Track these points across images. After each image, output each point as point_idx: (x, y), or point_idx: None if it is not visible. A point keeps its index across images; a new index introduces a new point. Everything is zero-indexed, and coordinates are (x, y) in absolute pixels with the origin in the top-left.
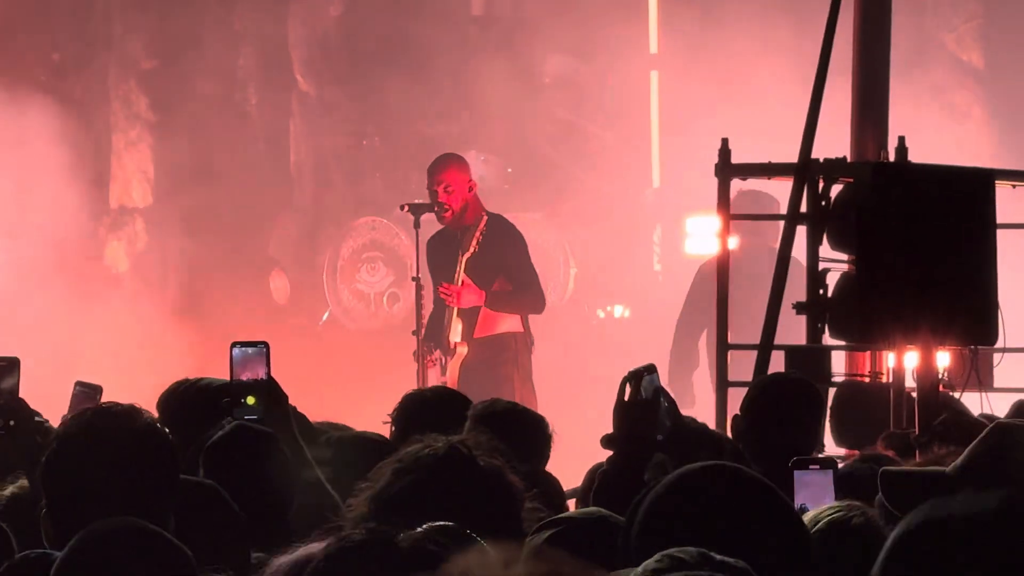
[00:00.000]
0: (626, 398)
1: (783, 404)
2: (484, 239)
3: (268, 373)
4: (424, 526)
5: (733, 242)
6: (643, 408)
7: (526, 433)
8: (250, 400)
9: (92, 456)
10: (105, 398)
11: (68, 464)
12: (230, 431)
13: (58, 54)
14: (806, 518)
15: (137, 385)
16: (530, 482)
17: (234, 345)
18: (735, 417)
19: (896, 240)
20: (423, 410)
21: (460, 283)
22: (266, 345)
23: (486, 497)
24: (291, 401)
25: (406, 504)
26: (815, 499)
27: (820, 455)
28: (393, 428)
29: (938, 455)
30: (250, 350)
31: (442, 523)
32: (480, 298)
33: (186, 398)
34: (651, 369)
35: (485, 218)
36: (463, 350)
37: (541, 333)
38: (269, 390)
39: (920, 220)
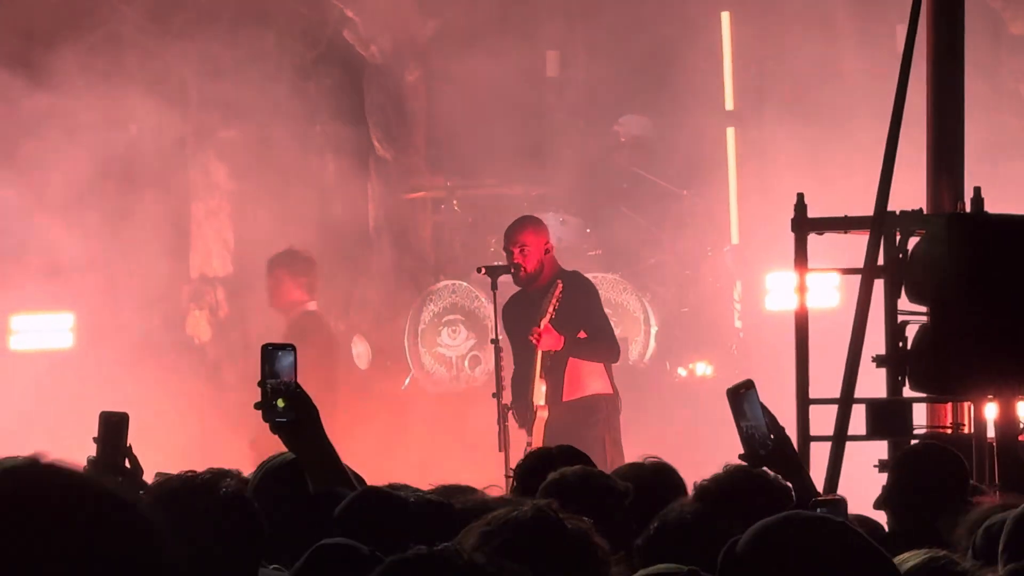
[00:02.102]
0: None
1: (931, 483)
2: (561, 303)
3: (296, 376)
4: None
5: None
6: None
7: (597, 501)
8: (280, 403)
9: (173, 526)
10: (189, 466)
11: None
12: (357, 497)
13: (135, 124)
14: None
15: (220, 455)
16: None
17: (265, 347)
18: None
19: (972, 290)
20: (547, 466)
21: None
22: (294, 348)
23: (574, 560)
24: (378, 465)
25: None
26: None
27: None
28: (515, 483)
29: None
30: (280, 353)
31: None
32: (559, 342)
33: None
34: (749, 385)
35: (560, 284)
36: (544, 414)
37: (624, 392)
38: (298, 393)
39: (996, 270)
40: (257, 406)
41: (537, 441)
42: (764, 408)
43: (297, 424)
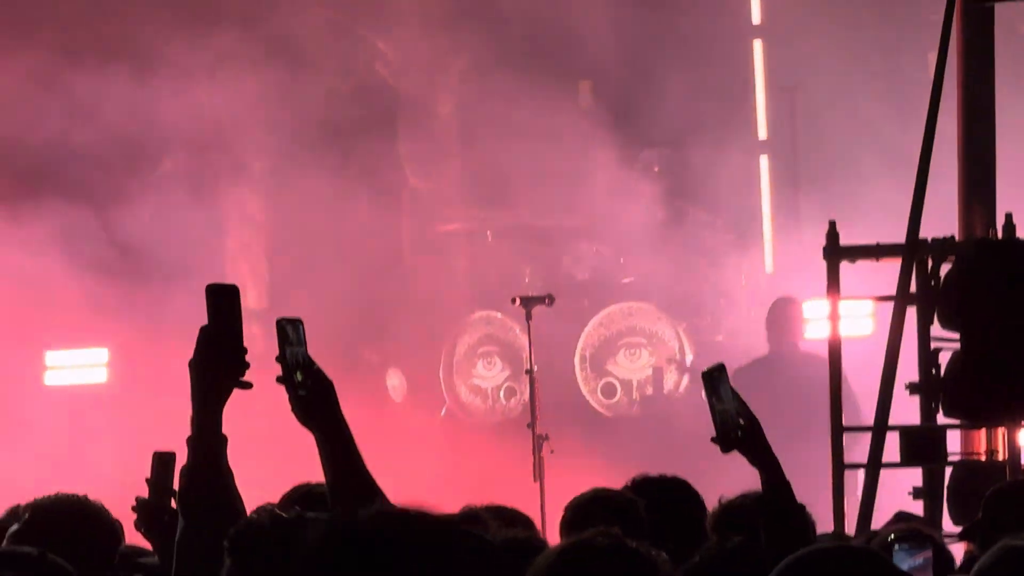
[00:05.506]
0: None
1: None
2: None
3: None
4: None
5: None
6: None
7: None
8: (299, 376)
9: None
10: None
11: None
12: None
13: (170, 160)
14: None
15: (261, 488)
16: None
17: (280, 321)
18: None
19: (1003, 316)
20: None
21: None
22: (302, 321)
23: None
24: (413, 498)
25: None
26: None
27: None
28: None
29: None
30: (296, 325)
31: None
32: None
33: (308, 503)
34: (722, 368)
35: None
36: None
37: (660, 421)
38: (317, 369)
39: None
40: (279, 380)
41: None
42: (735, 392)
43: (315, 397)
